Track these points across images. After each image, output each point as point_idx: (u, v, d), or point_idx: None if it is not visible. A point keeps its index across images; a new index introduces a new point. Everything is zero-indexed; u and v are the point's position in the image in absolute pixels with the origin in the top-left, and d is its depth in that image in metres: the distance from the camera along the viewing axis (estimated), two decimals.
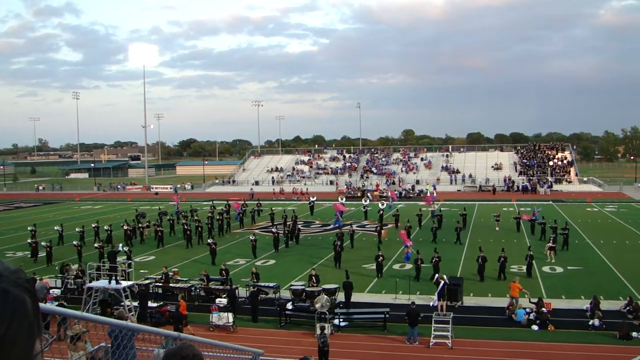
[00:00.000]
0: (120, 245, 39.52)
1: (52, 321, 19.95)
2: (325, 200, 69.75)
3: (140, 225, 48.84)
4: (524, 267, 34.49)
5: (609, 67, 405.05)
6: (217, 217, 51.62)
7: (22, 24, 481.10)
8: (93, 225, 47.34)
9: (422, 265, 32.58)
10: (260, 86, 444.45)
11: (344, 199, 65.93)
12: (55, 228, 46.52)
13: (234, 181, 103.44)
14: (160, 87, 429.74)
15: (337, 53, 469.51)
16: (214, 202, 66.01)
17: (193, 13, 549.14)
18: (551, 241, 38.05)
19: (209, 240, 40.27)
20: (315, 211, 62.08)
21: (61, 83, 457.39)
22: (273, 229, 43.93)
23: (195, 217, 51.71)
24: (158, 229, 45.34)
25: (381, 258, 33.91)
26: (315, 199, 64.98)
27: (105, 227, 45.96)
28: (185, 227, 45.60)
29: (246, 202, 62.79)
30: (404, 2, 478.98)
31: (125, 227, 46.14)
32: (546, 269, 34.69)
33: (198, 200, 78.33)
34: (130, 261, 33.02)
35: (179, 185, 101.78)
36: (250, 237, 40.88)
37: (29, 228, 46.34)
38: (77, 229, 45.39)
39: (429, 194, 75.23)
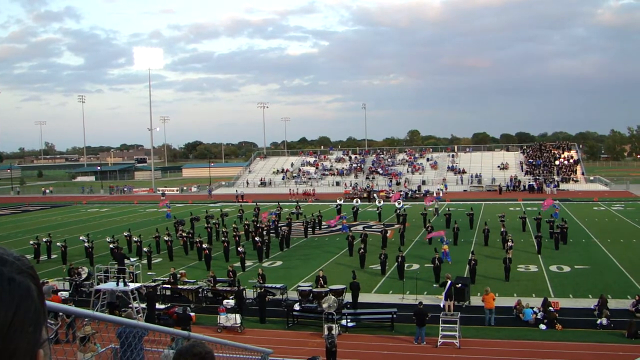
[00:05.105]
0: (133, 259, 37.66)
1: (61, 324, 20.02)
2: (331, 202, 69.44)
3: (182, 233, 44.33)
4: (531, 267, 34.57)
5: (613, 65, 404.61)
6: (252, 224, 48.03)
7: (24, 29, 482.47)
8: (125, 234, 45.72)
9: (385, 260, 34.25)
10: (263, 88, 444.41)
11: (359, 201, 65.44)
12: (81, 238, 43.79)
13: (269, 182, 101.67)
14: (163, 90, 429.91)
15: (338, 55, 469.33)
16: (257, 203, 64.46)
17: (192, 17, 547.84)
18: (510, 241, 36.97)
19: (239, 249, 37.49)
20: (326, 211, 61.49)
21: (64, 87, 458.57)
22: (257, 238, 40.98)
23: (234, 225, 46.56)
24: (197, 239, 41.57)
25: (383, 256, 34.36)
26: (342, 201, 63.06)
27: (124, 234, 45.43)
28: (193, 237, 42.88)
29: (280, 206, 60.15)
30: (401, 4, 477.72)
31: (135, 240, 42.55)
32: (553, 268, 34.62)
33: (205, 203, 78.55)
34: (137, 263, 32.99)
35: (216, 185, 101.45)
36: (257, 239, 40.75)
37: (30, 242, 42.94)
38: (83, 240, 42.76)
39: (435, 194, 74.82)
